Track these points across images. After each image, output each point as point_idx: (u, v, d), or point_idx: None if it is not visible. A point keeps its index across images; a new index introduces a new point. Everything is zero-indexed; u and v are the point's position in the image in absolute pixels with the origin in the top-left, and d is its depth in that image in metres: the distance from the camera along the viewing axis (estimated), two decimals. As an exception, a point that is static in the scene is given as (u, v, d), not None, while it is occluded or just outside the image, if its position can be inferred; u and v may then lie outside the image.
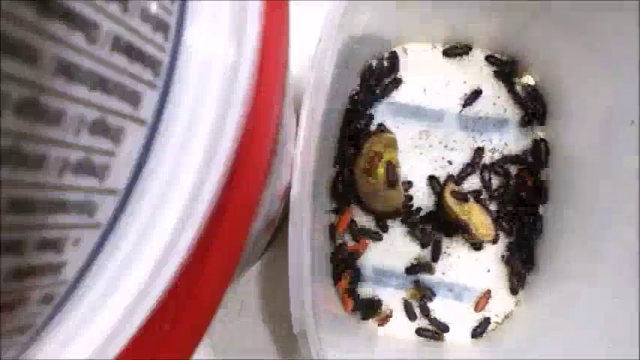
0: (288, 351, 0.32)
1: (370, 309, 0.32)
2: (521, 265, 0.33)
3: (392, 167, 0.30)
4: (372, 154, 0.30)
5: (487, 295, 0.33)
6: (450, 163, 0.33)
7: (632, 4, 0.24)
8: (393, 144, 0.31)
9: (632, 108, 0.26)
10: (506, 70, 0.34)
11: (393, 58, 0.34)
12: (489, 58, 0.34)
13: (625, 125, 0.26)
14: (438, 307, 0.33)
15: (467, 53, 0.34)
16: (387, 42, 0.33)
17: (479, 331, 0.32)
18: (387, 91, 0.33)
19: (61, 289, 0.10)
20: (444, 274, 0.33)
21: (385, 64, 0.34)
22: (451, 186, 0.32)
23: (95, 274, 0.10)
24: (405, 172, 0.33)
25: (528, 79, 0.34)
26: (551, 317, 0.30)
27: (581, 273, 0.29)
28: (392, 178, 0.30)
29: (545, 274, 0.32)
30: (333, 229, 0.32)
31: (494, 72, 0.34)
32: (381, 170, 0.30)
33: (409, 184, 0.33)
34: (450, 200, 0.31)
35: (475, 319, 0.33)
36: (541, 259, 0.33)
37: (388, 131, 0.32)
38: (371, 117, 0.33)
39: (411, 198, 0.33)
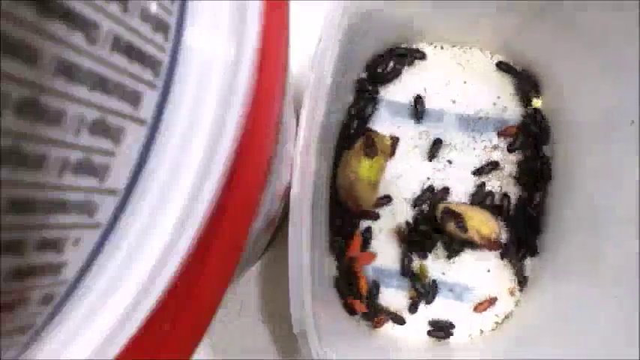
0: (288, 351, 0.32)
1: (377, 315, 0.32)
2: (519, 261, 0.33)
3: (369, 137, 0.30)
4: (359, 150, 0.30)
5: (491, 301, 0.33)
6: (449, 162, 0.34)
7: (632, 4, 0.24)
8: (385, 149, 0.31)
9: (632, 108, 0.26)
10: (525, 87, 0.34)
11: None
12: (501, 65, 0.34)
13: (625, 125, 0.26)
14: (439, 307, 0.33)
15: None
16: (387, 42, 0.33)
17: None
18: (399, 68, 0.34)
19: (61, 289, 0.10)
20: (444, 274, 0.33)
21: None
22: (442, 207, 0.31)
23: (95, 274, 0.10)
24: (404, 172, 0.33)
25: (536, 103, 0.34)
26: (551, 317, 0.30)
27: (581, 273, 0.29)
28: (369, 145, 0.29)
29: (545, 274, 0.32)
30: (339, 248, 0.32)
31: (517, 87, 0.34)
32: (362, 168, 0.30)
33: (387, 198, 0.33)
34: (446, 223, 0.31)
35: (476, 319, 0.33)
36: (541, 258, 0.33)
37: (385, 138, 0.32)
38: (375, 103, 0.33)
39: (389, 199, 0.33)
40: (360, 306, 0.31)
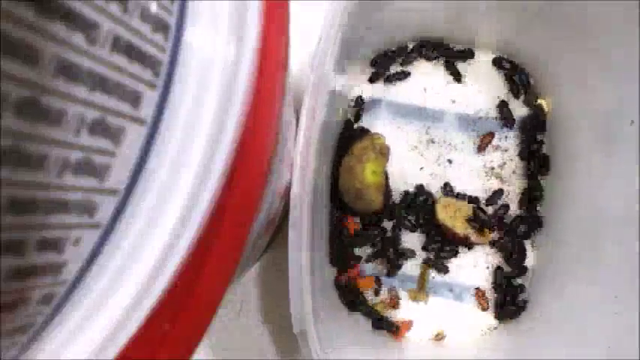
0: (288, 351, 0.32)
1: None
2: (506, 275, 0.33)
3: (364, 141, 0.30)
4: (360, 156, 0.30)
5: (480, 293, 0.33)
6: (449, 162, 0.34)
7: (632, 4, 0.24)
8: (384, 152, 0.31)
9: (632, 108, 0.26)
10: (521, 91, 0.34)
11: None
12: (496, 61, 0.34)
13: (625, 125, 0.26)
14: (439, 307, 0.33)
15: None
16: (387, 41, 0.33)
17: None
18: (392, 80, 0.34)
19: (61, 289, 0.10)
20: (445, 274, 0.33)
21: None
22: (443, 200, 0.32)
23: (95, 275, 0.10)
24: (404, 172, 0.33)
25: (542, 103, 0.34)
26: (551, 317, 0.30)
27: (581, 273, 0.29)
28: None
29: (545, 275, 0.32)
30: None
31: (510, 88, 0.34)
32: (367, 174, 0.30)
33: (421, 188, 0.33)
34: (444, 217, 0.31)
35: (476, 319, 0.33)
36: (541, 259, 0.33)
37: (380, 138, 0.31)
38: (362, 101, 0.34)
39: (390, 199, 0.33)
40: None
